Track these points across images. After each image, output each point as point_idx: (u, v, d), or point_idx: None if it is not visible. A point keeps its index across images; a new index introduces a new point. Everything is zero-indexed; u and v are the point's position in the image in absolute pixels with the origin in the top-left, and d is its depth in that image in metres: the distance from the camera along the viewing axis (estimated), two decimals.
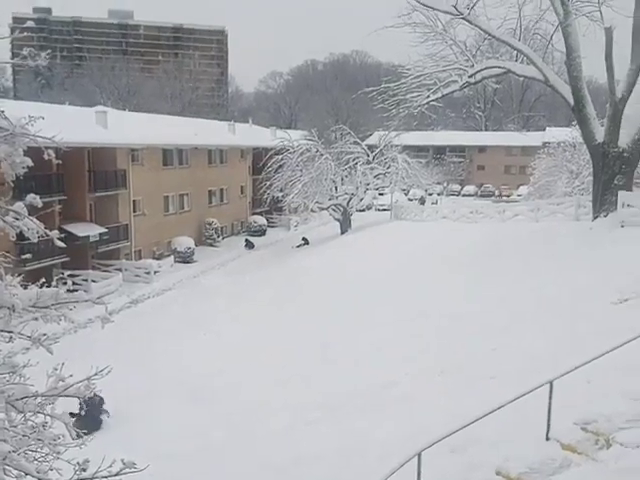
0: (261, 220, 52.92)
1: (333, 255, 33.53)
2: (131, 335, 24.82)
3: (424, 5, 24.28)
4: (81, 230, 32.32)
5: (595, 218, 23.31)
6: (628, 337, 9.42)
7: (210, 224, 46.25)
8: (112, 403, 16.95)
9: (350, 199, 43.66)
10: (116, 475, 6.38)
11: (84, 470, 6.31)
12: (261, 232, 51.90)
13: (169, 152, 42.65)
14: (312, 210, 45.41)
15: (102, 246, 34.36)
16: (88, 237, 32.49)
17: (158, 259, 38.53)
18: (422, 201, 66.56)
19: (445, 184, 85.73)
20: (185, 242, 41.26)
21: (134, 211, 38.29)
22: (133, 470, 6.34)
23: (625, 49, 21.60)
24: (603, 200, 22.97)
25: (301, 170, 42.35)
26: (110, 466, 6.38)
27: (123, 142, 36.45)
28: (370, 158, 44.19)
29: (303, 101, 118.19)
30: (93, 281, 32.09)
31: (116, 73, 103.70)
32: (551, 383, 8.64)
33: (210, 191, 48.62)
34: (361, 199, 44.96)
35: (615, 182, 22.65)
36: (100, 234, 33.50)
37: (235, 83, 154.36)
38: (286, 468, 11.16)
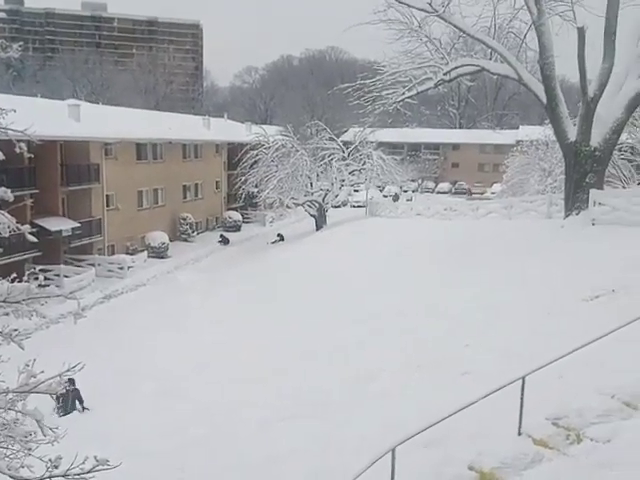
0: (236, 216, 52.69)
1: (309, 251, 33.52)
2: (104, 331, 24.62)
3: (400, 2, 24.33)
4: (53, 224, 31.94)
5: (567, 216, 23.57)
6: (599, 333, 9.55)
7: (184, 219, 45.97)
8: (86, 400, 16.84)
9: (325, 195, 43.67)
10: (89, 472, 6.33)
11: (56, 467, 6.26)
12: (236, 228, 51.69)
13: (143, 146, 42.27)
14: (287, 206, 45.32)
15: (74, 241, 33.99)
16: (60, 232, 32.11)
17: (132, 254, 38.22)
18: (395, 198, 66.74)
19: (420, 181, 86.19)
20: (159, 237, 40.95)
21: (107, 205, 37.91)
22: (106, 467, 6.29)
23: (597, 49, 21.87)
24: (575, 198, 23.24)
25: (276, 166, 42.26)
26: (83, 463, 6.32)
27: (96, 136, 36.07)
28: (345, 154, 44.21)
29: (278, 96, 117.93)
30: (65, 276, 31.76)
31: (89, 66, 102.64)
32: (523, 379, 8.73)
33: (185, 186, 48.31)
34: (336, 195, 45.01)
35: (587, 180, 22.91)
36: (72, 229, 33.13)
37: (210, 77, 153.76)
38: (263, 465, 11.15)
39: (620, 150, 31.60)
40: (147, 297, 31.44)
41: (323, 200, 43.66)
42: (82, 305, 28.52)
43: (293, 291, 24.79)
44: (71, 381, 16.04)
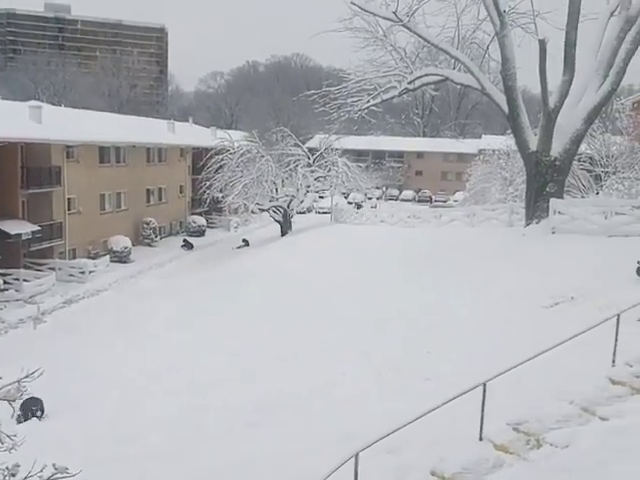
0: (200, 220, 52.39)
1: (274, 257, 33.45)
2: (64, 336, 24.22)
3: (365, 11, 24.56)
4: (13, 228, 31.39)
5: (528, 224, 23.97)
6: (558, 340, 9.73)
7: (148, 223, 45.53)
8: (45, 406, 16.52)
9: (291, 201, 43.66)
10: None
11: (13, 475, 6.16)
12: (200, 233, 51.40)
13: (106, 149, 41.80)
14: (252, 211, 45.22)
15: (35, 244, 33.45)
16: (20, 235, 31.58)
17: (93, 258, 37.72)
18: (359, 206, 66.72)
19: (384, 189, 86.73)
20: (122, 241, 40.50)
21: (69, 209, 37.40)
22: (65, 475, 6.20)
23: (558, 61, 22.35)
24: (535, 207, 23.65)
25: (242, 171, 42.12)
26: (41, 471, 6.23)
27: (58, 138, 35.54)
28: (311, 161, 44.26)
29: (244, 102, 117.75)
30: (25, 280, 31.21)
31: (52, 68, 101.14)
32: (484, 385, 8.84)
33: (148, 190, 47.87)
34: (301, 201, 45.04)
35: (547, 190, 23.35)
36: (33, 232, 32.60)
37: (175, 82, 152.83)
38: (226, 471, 11.06)
39: (579, 160, 32.30)
40: (109, 302, 31.03)
41: (288, 206, 43.64)
42: (42, 310, 28.07)
43: (258, 297, 24.70)
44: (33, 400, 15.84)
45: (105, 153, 41.82)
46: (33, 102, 42.63)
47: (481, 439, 8.97)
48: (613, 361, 10.48)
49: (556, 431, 8.76)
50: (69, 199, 37.38)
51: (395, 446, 8.99)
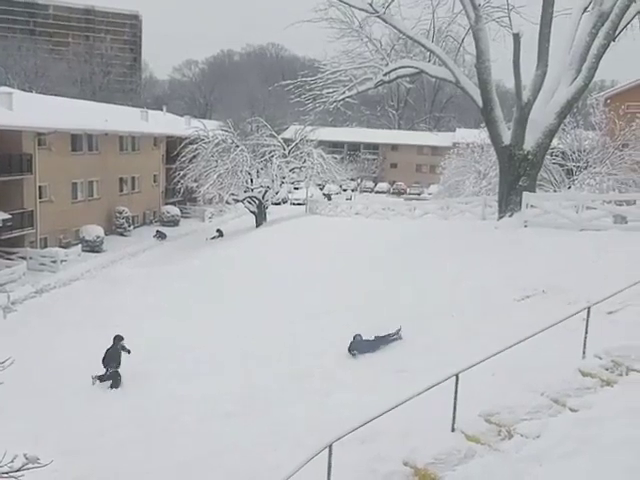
0: (174, 210, 51.96)
1: (248, 248, 33.36)
2: (34, 326, 23.94)
3: (341, 1, 24.51)
4: None
5: (501, 218, 24.18)
6: (529, 333, 9.85)
7: (120, 213, 45.03)
8: (17, 397, 16.34)
9: (265, 192, 43.52)
10: (17, 471, 6.19)
11: None
12: (174, 222, 50.98)
13: (78, 137, 41.19)
14: (227, 202, 44.97)
15: (5, 233, 32.93)
16: None
17: (65, 247, 37.25)
18: (329, 197, 66.11)
19: (359, 180, 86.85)
20: (94, 230, 40.03)
21: (40, 197, 36.84)
22: (36, 466, 6.16)
23: (532, 55, 22.53)
24: (508, 200, 23.86)
25: (216, 161, 41.87)
26: (12, 461, 6.18)
27: (29, 125, 34.95)
28: (286, 152, 44.16)
29: (218, 91, 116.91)
30: None
31: (23, 53, 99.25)
32: (457, 376, 8.93)
33: (121, 179, 47.29)
34: (276, 192, 44.94)
35: (520, 183, 23.57)
36: (3, 220, 32.10)
37: (149, 69, 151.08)
38: (200, 462, 11.08)
39: (552, 155, 32.63)
40: (81, 292, 30.67)
41: (263, 197, 43.51)
42: (12, 299, 27.69)
43: (232, 288, 24.64)
44: (118, 337, 17.03)
45: (77, 141, 41.23)
46: (4, 88, 41.90)
47: (453, 430, 9.07)
48: (583, 353, 10.65)
49: (527, 422, 8.90)
50: (40, 187, 36.84)
51: (368, 437, 9.06)
